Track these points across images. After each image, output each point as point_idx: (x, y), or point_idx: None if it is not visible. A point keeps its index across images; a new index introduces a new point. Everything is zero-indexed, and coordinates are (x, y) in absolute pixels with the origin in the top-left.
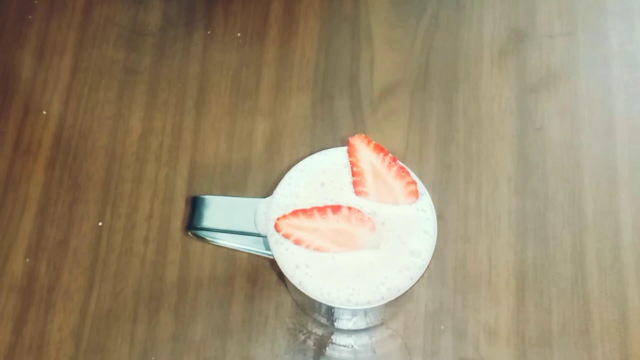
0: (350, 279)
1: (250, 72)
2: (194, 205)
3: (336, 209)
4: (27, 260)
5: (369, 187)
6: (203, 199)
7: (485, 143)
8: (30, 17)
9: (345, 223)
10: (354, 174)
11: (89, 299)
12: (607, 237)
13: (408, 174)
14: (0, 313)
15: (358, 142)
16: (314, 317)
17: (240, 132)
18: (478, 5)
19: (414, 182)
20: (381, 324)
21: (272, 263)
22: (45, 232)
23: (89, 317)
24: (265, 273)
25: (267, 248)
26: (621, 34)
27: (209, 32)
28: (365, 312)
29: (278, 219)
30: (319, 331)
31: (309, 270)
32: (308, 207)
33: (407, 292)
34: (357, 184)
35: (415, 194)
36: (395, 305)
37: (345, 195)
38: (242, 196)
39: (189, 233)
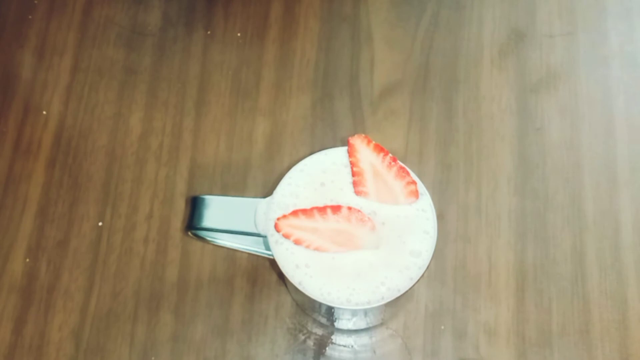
0: (350, 279)
1: (250, 72)
2: (194, 205)
3: (336, 209)
4: (27, 260)
5: (369, 187)
6: (203, 199)
7: (485, 143)
8: (30, 17)
9: (345, 223)
10: (354, 174)
11: (89, 299)
12: (607, 237)
13: (408, 174)
14: (0, 313)
15: (358, 142)
16: (314, 317)
17: (240, 132)
18: (478, 5)
19: (414, 182)
20: (381, 324)
21: (272, 263)
22: (45, 232)
23: (89, 317)
24: (265, 273)
25: (267, 248)
26: (621, 34)
27: (209, 32)
28: (365, 312)
29: (278, 219)
30: (319, 331)
31: (309, 270)
32: (308, 207)
33: (407, 292)
34: (357, 184)
35: (415, 194)
36: (395, 305)
37: (345, 195)
38: (242, 196)
39: (189, 233)
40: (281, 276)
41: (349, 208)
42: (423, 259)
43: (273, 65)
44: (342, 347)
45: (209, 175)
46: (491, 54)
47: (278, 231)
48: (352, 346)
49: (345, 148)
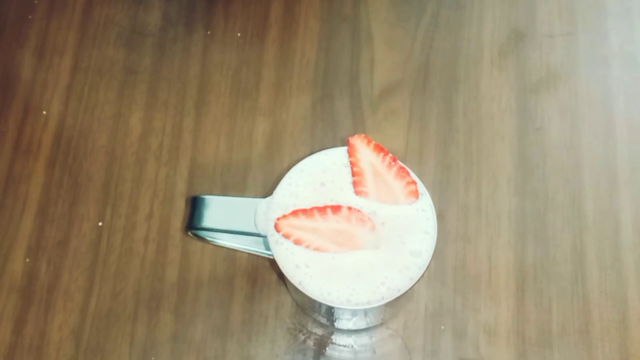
0: (350, 279)
1: (250, 72)
2: (194, 205)
3: (336, 209)
4: (27, 260)
5: (369, 187)
6: (203, 199)
7: (485, 143)
8: (30, 17)
9: (345, 223)
10: (354, 174)
11: (89, 299)
12: (607, 237)
13: (408, 174)
14: (0, 313)
15: (358, 142)
16: (314, 317)
17: (240, 132)
18: (478, 5)
19: (414, 182)
20: (381, 324)
21: (272, 263)
22: (45, 232)
23: (89, 317)
24: (265, 273)
25: (267, 248)
26: (621, 34)
27: (209, 32)
28: (365, 312)
29: (278, 219)
30: (319, 331)
31: (309, 270)
32: (308, 207)
33: (407, 292)
34: (357, 184)
35: (415, 194)
36: (395, 305)
37: (345, 195)
38: (242, 196)
39: (189, 233)
40: (281, 276)
41: (349, 208)
42: (423, 259)
43: (273, 65)
44: (342, 347)
45: (209, 175)
46: (491, 54)
47: (278, 231)
48: (352, 346)
49: (345, 148)
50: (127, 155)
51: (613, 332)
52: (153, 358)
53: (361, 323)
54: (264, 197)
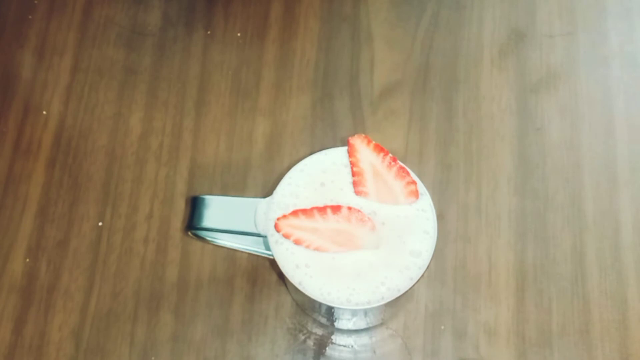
0: (350, 279)
1: (250, 72)
2: (194, 205)
3: (336, 209)
4: (27, 260)
5: (369, 187)
6: (203, 199)
7: (485, 143)
8: (30, 17)
9: (345, 223)
10: (354, 174)
11: (89, 299)
12: (607, 237)
13: (408, 174)
14: (0, 313)
15: (358, 142)
16: (314, 317)
17: (240, 132)
18: (478, 5)
19: (414, 182)
20: (381, 324)
21: (272, 263)
22: (45, 232)
23: (89, 317)
24: (265, 273)
25: (267, 248)
26: (621, 34)
27: (209, 32)
28: (365, 312)
29: (278, 219)
30: (319, 331)
31: (309, 270)
32: (308, 207)
33: (407, 292)
34: (357, 184)
35: (415, 194)
36: (395, 305)
37: (345, 195)
38: (242, 196)
39: (189, 233)
40: (281, 276)
41: (349, 208)
42: (423, 259)
43: (273, 65)
44: (342, 347)
45: (209, 175)
46: (491, 54)
47: (278, 231)
48: (352, 346)
49: (345, 148)
50: (127, 155)
51: (613, 332)
52: (153, 358)
53: (361, 323)
54: (264, 197)
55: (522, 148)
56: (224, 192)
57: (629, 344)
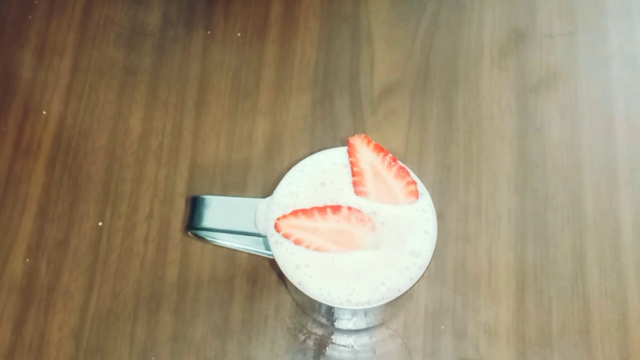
0: (350, 279)
1: (250, 72)
2: (194, 205)
3: (336, 209)
4: (27, 260)
5: (369, 187)
6: (203, 199)
7: (485, 143)
8: (30, 17)
9: (345, 223)
10: (354, 174)
11: (89, 299)
12: (607, 237)
13: (408, 174)
14: (0, 313)
15: (358, 142)
16: (314, 317)
17: (240, 132)
18: (478, 5)
19: (414, 182)
20: (381, 324)
21: (272, 263)
22: (45, 232)
23: (89, 317)
24: (265, 273)
25: (267, 248)
26: (621, 34)
27: (209, 32)
28: (365, 312)
29: (278, 219)
30: (319, 331)
31: (309, 270)
32: (308, 207)
33: (407, 292)
34: (357, 184)
35: (415, 194)
36: (395, 305)
37: (345, 195)
38: (242, 196)
39: (189, 233)
40: (281, 276)
41: (349, 208)
42: (423, 259)
43: (273, 65)
44: (342, 347)
45: (209, 175)
46: (491, 54)
47: (278, 231)
48: (352, 346)
49: (345, 148)
50: (127, 155)
51: (613, 332)
52: (153, 358)
53: (361, 323)
54: (264, 197)
55: (522, 148)
56: (224, 192)
57: (629, 344)
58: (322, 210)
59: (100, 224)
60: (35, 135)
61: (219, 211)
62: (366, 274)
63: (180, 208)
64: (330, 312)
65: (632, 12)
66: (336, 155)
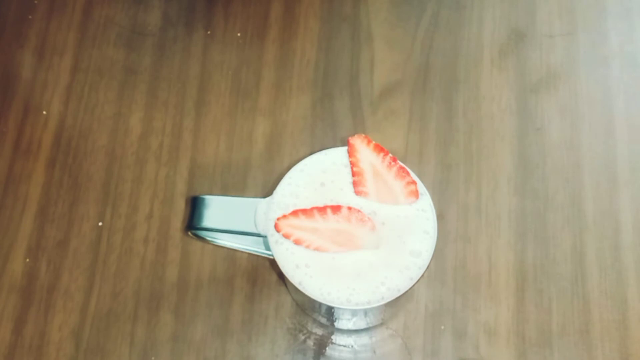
0: (350, 279)
1: (250, 72)
2: (194, 205)
3: (336, 209)
4: (27, 260)
5: (369, 187)
6: (203, 199)
7: (485, 143)
8: (30, 17)
9: (345, 223)
10: (354, 174)
11: (89, 299)
12: (607, 237)
13: (408, 174)
14: (0, 313)
15: (358, 142)
16: (314, 317)
17: (240, 132)
18: (478, 5)
19: (414, 182)
20: (381, 324)
21: (272, 263)
22: (45, 232)
23: (89, 317)
24: (265, 273)
25: (267, 248)
26: (621, 34)
27: (209, 32)
28: (365, 312)
29: (278, 219)
30: (319, 331)
31: (309, 270)
32: (308, 207)
33: (407, 292)
34: (357, 184)
35: (415, 194)
36: (395, 305)
37: (345, 195)
38: (242, 196)
39: (189, 233)
40: (281, 276)
41: (349, 208)
42: (423, 259)
43: (273, 65)
44: (342, 347)
45: (209, 175)
46: (491, 54)
47: (278, 231)
48: (352, 346)
49: (345, 148)
50: (127, 155)
51: (613, 332)
52: (153, 358)
53: (361, 323)
54: (264, 197)
55: (522, 148)
56: (224, 192)
57: (629, 344)
58: (322, 210)
59: (100, 224)
60: (35, 135)
61: (219, 211)
62: (366, 274)
63: (180, 208)
64: (330, 312)
65: (632, 12)
66: (336, 155)
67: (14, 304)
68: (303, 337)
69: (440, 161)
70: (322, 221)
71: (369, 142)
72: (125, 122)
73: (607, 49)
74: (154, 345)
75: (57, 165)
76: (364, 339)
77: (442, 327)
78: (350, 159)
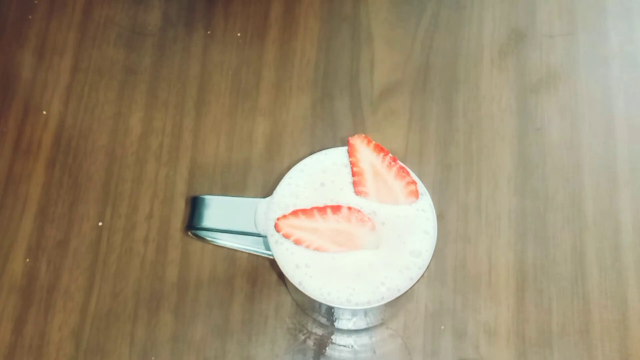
0: (350, 279)
1: (250, 72)
2: (194, 205)
3: (336, 209)
4: (27, 260)
5: (369, 187)
6: (203, 199)
7: (485, 143)
8: (30, 17)
9: (345, 223)
10: (354, 174)
11: (89, 299)
12: (607, 237)
13: (408, 174)
14: (0, 313)
15: (358, 142)
16: (314, 317)
17: (240, 132)
18: (478, 5)
19: (414, 182)
20: (381, 324)
21: (272, 263)
22: (45, 232)
23: (89, 317)
24: (265, 273)
25: (267, 248)
26: (621, 34)
27: (209, 32)
28: (365, 312)
29: (278, 219)
30: (319, 331)
31: (309, 270)
32: (308, 207)
33: (407, 292)
34: (357, 184)
35: (415, 194)
36: (395, 305)
37: (345, 195)
38: (242, 196)
39: (189, 233)
40: (281, 276)
41: (349, 208)
42: (423, 259)
43: (273, 65)
44: (342, 347)
45: (209, 175)
46: (491, 54)
47: (278, 231)
48: (352, 346)
49: (345, 148)
50: (127, 155)
51: (613, 332)
52: (153, 358)
53: (361, 323)
54: (264, 197)
55: (522, 148)
56: (224, 192)
57: (629, 344)
58: (322, 210)
59: (100, 224)
60: (35, 135)
61: (219, 211)
62: (366, 274)
63: (180, 208)
64: (330, 312)
65: (632, 12)
66: (336, 155)
67: (14, 304)
68: (303, 337)
69: (440, 161)
70: (322, 221)
71: (369, 142)
72: (125, 122)
73: (607, 49)
74: (154, 345)
75: (57, 165)
76: (364, 339)
77: (442, 327)
78: (350, 159)
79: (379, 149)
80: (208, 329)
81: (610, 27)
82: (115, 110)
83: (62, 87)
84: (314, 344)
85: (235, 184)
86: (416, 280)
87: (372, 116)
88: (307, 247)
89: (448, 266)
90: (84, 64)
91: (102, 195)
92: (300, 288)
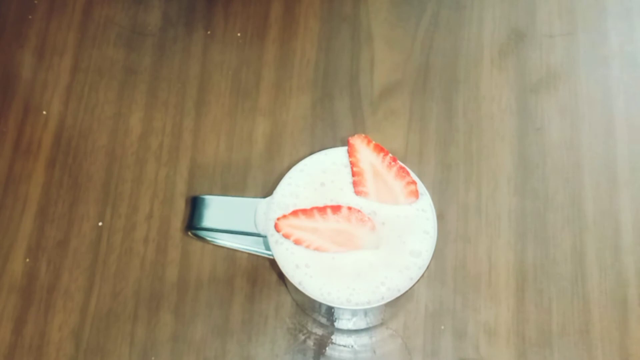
0: (350, 279)
1: (250, 72)
2: (194, 205)
3: (336, 209)
4: (27, 260)
5: (369, 187)
6: (203, 199)
7: (485, 143)
8: (30, 17)
9: (345, 223)
10: (354, 174)
11: (89, 299)
12: (607, 237)
13: (408, 174)
14: (0, 313)
15: (358, 142)
16: (314, 317)
17: (240, 132)
18: (478, 5)
19: (414, 182)
20: (381, 324)
21: (272, 263)
22: (45, 232)
23: (89, 317)
24: (265, 273)
25: (267, 248)
26: (621, 34)
27: (209, 32)
28: (365, 312)
29: (278, 219)
30: (319, 331)
31: (309, 270)
32: (308, 207)
33: (407, 292)
34: (357, 184)
35: (415, 194)
36: (395, 305)
37: (345, 195)
38: (242, 196)
39: (189, 233)
40: (281, 276)
41: (349, 208)
42: (423, 259)
43: (273, 65)
44: (342, 347)
45: (209, 175)
46: (491, 54)
47: (278, 231)
48: (352, 346)
49: (345, 148)
50: (127, 155)
51: (613, 332)
52: (153, 358)
53: (361, 323)
54: (264, 197)
55: (522, 148)
56: (224, 192)
57: (629, 344)
58: (322, 210)
59: (100, 224)
60: (35, 135)
61: (219, 211)
62: (366, 274)
63: (180, 208)
64: (330, 312)
65: (632, 12)
66: (336, 155)
67: (14, 304)
68: (303, 337)
69: (440, 161)
70: (322, 221)
71: (369, 142)
72: (125, 122)
73: (607, 49)
74: (154, 345)
75: (57, 165)
76: (364, 339)
77: (442, 327)
78: (350, 159)
79: (379, 149)
80: (208, 329)
81: (610, 27)
82: (115, 110)
83: (62, 87)
84: (314, 344)
85: (235, 184)
86: (416, 280)
87: (372, 116)
88: (307, 247)
89: (448, 266)
90: (84, 64)
91: (102, 195)
92: (300, 288)
